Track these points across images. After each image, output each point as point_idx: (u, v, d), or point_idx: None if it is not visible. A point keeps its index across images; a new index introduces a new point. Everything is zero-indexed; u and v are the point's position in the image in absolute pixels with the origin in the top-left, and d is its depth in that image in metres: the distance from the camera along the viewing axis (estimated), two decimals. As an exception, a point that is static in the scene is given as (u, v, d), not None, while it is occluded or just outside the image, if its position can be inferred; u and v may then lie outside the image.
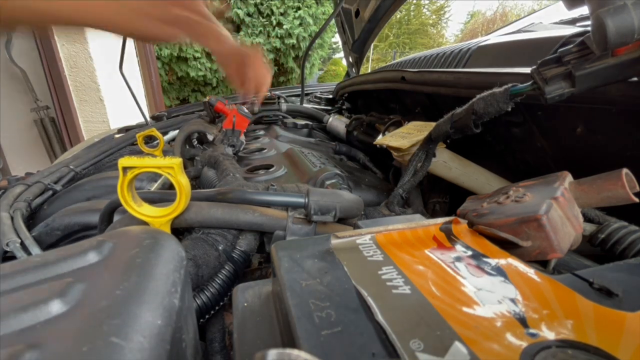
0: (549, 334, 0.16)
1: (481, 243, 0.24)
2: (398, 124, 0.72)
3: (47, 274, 0.18)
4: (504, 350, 0.15)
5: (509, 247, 0.24)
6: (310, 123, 1.08)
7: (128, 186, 0.32)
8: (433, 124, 0.49)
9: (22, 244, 0.43)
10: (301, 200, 0.37)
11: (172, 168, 0.31)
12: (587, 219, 0.33)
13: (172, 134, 0.94)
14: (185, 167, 0.49)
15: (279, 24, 5.64)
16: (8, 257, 0.43)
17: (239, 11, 5.44)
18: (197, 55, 5.39)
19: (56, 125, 2.61)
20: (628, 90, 0.33)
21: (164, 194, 0.38)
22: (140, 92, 3.17)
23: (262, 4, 5.59)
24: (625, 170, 0.26)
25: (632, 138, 0.38)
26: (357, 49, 1.43)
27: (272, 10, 5.60)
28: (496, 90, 0.38)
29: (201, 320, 0.33)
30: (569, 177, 0.29)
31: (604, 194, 0.27)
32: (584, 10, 0.30)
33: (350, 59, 1.50)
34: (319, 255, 0.23)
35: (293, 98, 1.42)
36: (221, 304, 0.35)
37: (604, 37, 0.26)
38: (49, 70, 2.41)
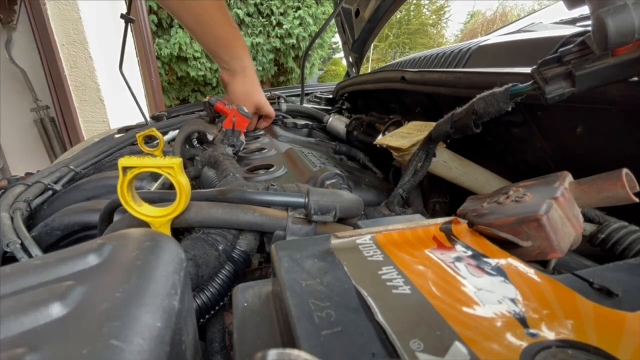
0: (549, 334, 0.16)
1: (481, 243, 0.24)
2: (398, 124, 0.72)
3: (47, 277, 0.18)
4: (504, 350, 0.15)
5: (509, 247, 0.24)
6: (310, 123, 1.08)
7: (128, 186, 0.32)
8: (433, 124, 0.49)
9: (22, 244, 0.43)
10: (301, 200, 0.37)
11: (172, 168, 0.31)
12: (587, 219, 0.33)
13: (172, 134, 0.94)
14: (185, 167, 0.49)
15: (279, 24, 5.65)
16: (8, 257, 0.43)
17: (239, 11, 5.44)
18: (197, 55, 5.39)
19: (56, 125, 2.61)
20: (628, 90, 0.33)
21: (164, 194, 0.38)
22: (140, 92, 3.17)
23: (262, 4, 5.59)
24: (625, 170, 0.26)
25: (632, 138, 0.38)
26: (357, 49, 1.43)
27: (272, 10, 5.60)
28: (496, 90, 0.38)
29: (201, 320, 0.33)
30: (569, 177, 0.29)
31: (604, 194, 0.27)
32: (584, 10, 0.30)
33: (350, 59, 1.50)
34: (319, 255, 0.23)
35: (293, 98, 1.42)
36: (221, 304, 0.35)
37: (605, 37, 0.26)
38: (49, 70, 2.41)
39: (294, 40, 5.64)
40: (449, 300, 0.18)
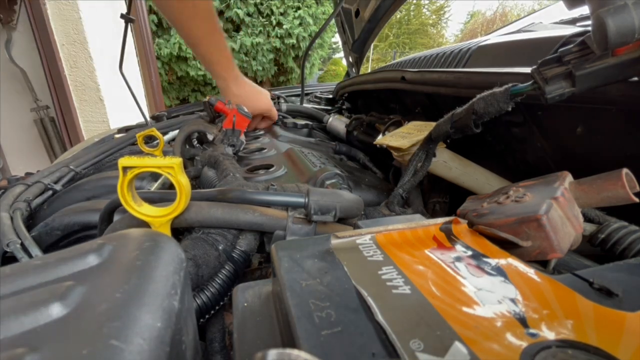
0: (549, 334, 0.16)
1: (481, 243, 0.24)
2: (398, 124, 0.72)
3: (47, 277, 0.18)
4: (504, 350, 0.15)
5: (509, 247, 0.24)
6: (310, 123, 1.08)
7: (128, 186, 0.32)
8: (433, 124, 0.49)
9: (22, 244, 0.43)
10: (301, 200, 0.37)
11: (172, 168, 0.31)
12: (587, 219, 0.33)
13: (172, 134, 0.94)
14: (185, 167, 0.49)
15: (279, 24, 5.64)
16: (8, 257, 0.43)
17: (239, 11, 5.44)
18: (197, 54, 5.38)
19: (56, 125, 2.61)
20: (628, 90, 0.33)
21: (164, 194, 0.38)
22: (140, 92, 3.17)
23: (262, 4, 5.59)
24: (625, 170, 0.26)
25: (632, 138, 0.38)
26: (357, 49, 1.43)
27: (272, 10, 5.60)
28: (496, 90, 0.38)
29: (201, 320, 0.33)
30: (569, 177, 0.29)
31: (604, 194, 0.27)
32: (584, 10, 0.30)
33: (350, 59, 1.50)
34: (319, 255, 0.23)
35: (293, 98, 1.42)
36: (221, 304, 0.35)
37: (605, 37, 0.26)
38: (49, 70, 2.41)
39: (294, 40, 5.64)
40: (449, 300, 0.18)
